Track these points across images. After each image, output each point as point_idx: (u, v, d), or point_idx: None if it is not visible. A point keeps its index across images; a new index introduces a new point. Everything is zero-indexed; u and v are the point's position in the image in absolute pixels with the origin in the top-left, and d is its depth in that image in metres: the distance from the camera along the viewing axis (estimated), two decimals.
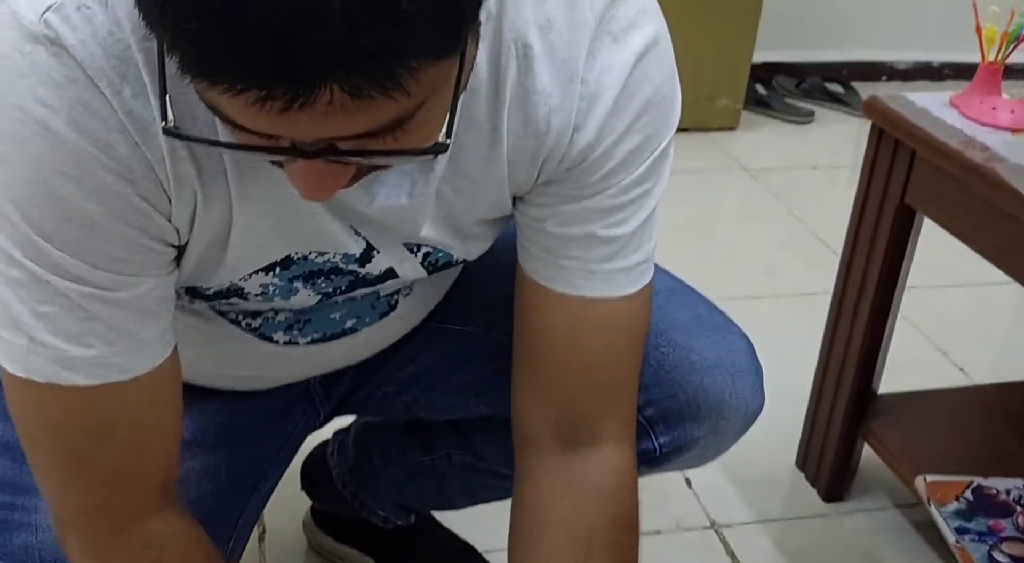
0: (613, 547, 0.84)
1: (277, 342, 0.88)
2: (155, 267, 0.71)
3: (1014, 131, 1.21)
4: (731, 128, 2.86)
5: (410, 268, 0.81)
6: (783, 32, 3.08)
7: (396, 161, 0.64)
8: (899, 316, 1.44)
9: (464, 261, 0.86)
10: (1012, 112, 1.23)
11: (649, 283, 0.82)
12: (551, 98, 0.71)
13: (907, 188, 1.29)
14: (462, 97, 0.65)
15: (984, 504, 1.31)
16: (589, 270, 0.79)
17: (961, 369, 1.88)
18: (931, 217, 1.27)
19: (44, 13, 0.62)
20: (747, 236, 2.38)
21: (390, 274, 0.81)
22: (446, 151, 0.61)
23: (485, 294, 0.98)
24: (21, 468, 0.85)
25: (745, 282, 2.15)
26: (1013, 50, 1.23)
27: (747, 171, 2.68)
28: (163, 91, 0.58)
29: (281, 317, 0.87)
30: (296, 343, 0.89)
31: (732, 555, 1.44)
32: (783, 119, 2.99)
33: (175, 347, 0.76)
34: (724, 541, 1.46)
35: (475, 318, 1.00)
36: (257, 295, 0.79)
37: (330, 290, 0.81)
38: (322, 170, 0.59)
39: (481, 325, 0.99)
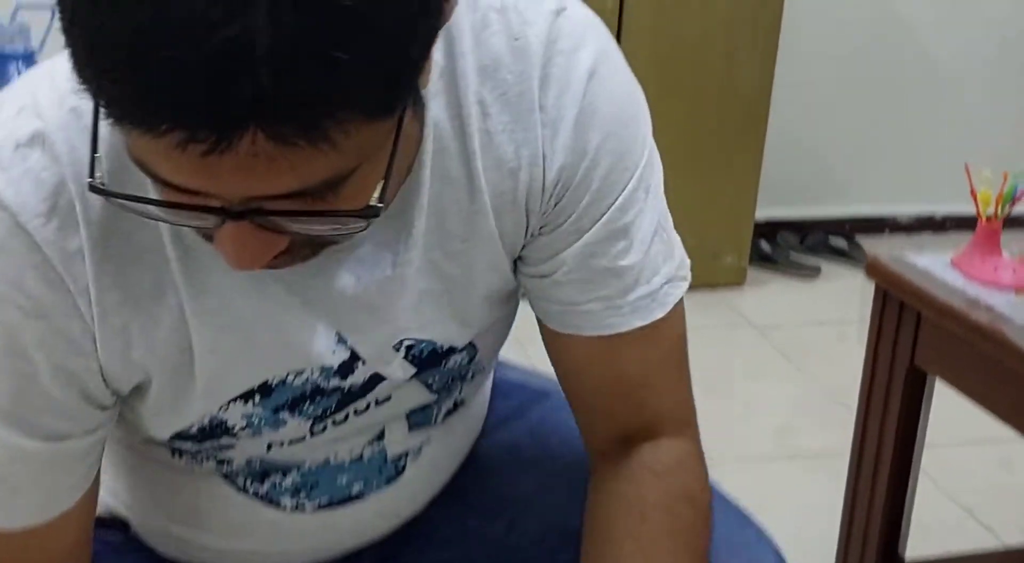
0: (668, 515, 0.80)
1: (284, 508, 0.86)
2: (77, 421, 0.71)
3: (1018, 290, 1.22)
4: (738, 285, 2.89)
5: (396, 367, 0.78)
6: (785, 189, 3.14)
7: (327, 228, 0.59)
8: (920, 475, 1.41)
9: (453, 352, 0.81)
10: (1014, 272, 1.24)
11: (681, 299, 0.80)
12: (515, 133, 0.71)
13: (916, 350, 1.29)
14: (430, 158, 0.66)
15: None
16: (616, 306, 0.77)
17: (988, 528, 1.83)
18: (942, 378, 1.27)
19: None
20: (758, 394, 2.36)
21: (376, 380, 0.78)
22: (378, 215, 0.57)
23: (509, 490, 0.96)
24: None
25: (758, 442, 2.12)
26: (1010, 211, 1.25)
27: (755, 328, 2.68)
28: (93, 149, 0.57)
29: (288, 481, 0.85)
30: (303, 508, 0.86)
31: None
32: (789, 275, 3.02)
33: (92, 483, 0.76)
34: None
35: (497, 516, 0.98)
36: (244, 428, 0.77)
37: (319, 413, 0.78)
38: (251, 234, 0.56)
39: (503, 526, 0.97)
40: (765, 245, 3.10)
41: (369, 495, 0.88)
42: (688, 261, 0.82)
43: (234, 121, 0.49)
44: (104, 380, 0.71)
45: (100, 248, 0.66)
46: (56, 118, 0.65)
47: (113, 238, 0.66)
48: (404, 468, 0.89)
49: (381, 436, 0.86)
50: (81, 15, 0.50)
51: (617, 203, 0.75)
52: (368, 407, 0.81)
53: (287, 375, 0.75)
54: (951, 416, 1.79)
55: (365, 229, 0.61)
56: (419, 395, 0.84)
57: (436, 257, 0.74)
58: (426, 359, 0.79)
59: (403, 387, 0.81)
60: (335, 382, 0.76)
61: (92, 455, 0.75)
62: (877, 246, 3.20)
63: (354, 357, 0.76)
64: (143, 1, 0.48)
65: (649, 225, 0.77)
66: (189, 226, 0.61)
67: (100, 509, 0.90)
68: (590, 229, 0.75)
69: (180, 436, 0.77)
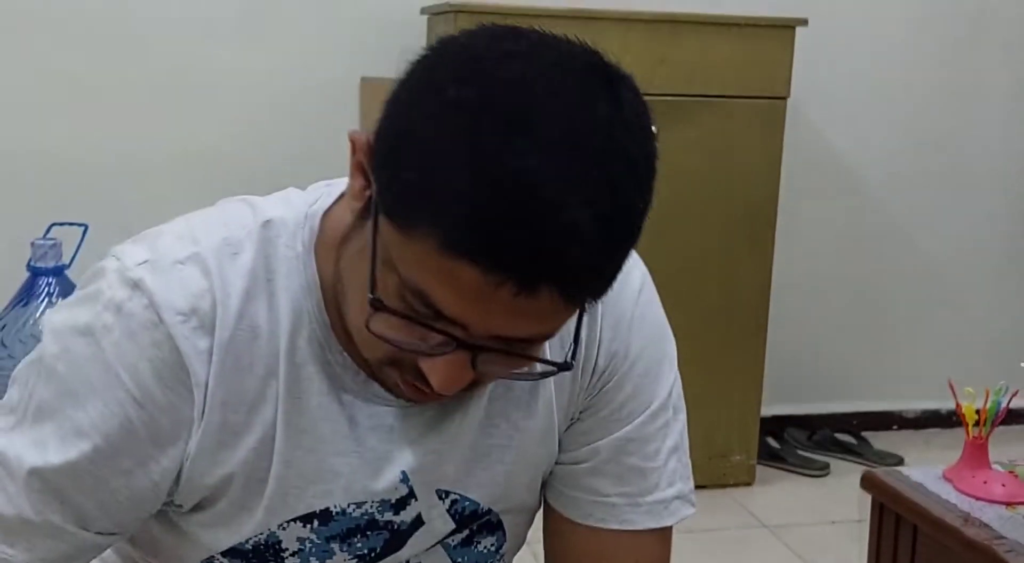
0: None
1: None
2: (108, 516, 0.78)
3: (1008, 505, 1.25)
4: (747, 484, 2.89)
5: (437, 515, 0.85)
6: (790, 386, 3.19)
7: (521, 371, 0.76)
8: None
9: (492, 519, 0.89)
10: (1004, 485, 1.28)
11: (671, 526, 0.90)
12: (582, 314, 0.79)
13: (915, 560, 1.31)
14: None
15: None
16: (635, 504, 0.88)
17: None
18: None
19: (141, 264, 0.76)
20: None
21: (417, 523, 0.85)
22: (570, 369, 0.75)
23: None
24: None
25: None
26: (994, 427, 1.30)
27: (766, 527, 2.68)
28: (373, 267, 0.69)
29: None
30: None
31: None
32: (798, 473, 3.03)
33: None
34: None
35: None
36: (294, 553, 0.82)
37: (365, 552, 0.84)
38: (462, 365, 0.69)
39: None
40: (773, 442, 3.13)
41: None
42: (694, 496, 0.92)
43: (549, 278, 0.64)
44: (177, 480, 0.78)
45: (224, 352, 0.76)
46: (210, 246, 0.77)
47: (235, 347, 0.77)
48: None
49: None
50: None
51: (650, 409, 0.87)
52: None
53: (348, 505, 0.82)
54: None
55: (542, 378, 0.78)
56: (445, 527, 0.88)
57: (497, 421, 0.85)
58: (466, 517, 0.87)
59: (435, 556, 0.88)
60: (388, 516, 0.83)
61: (87, 555, 0.81)
62: (885, 441, 3.22)
63: (411, 495, 0.84)
64: (528, 183, 0.63)
65: (672, 442, 0.88)
66: (407, 348, 0.71)
67: None
68: (625, 425, 0.86)
69: (232, 552, 0.82)
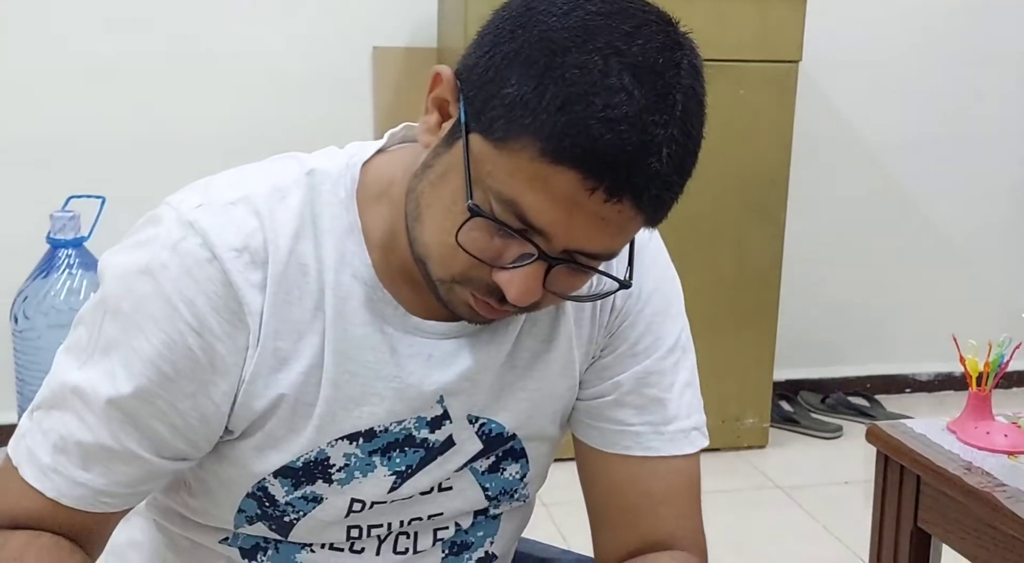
0: None
1: None
2: (181, 438, 0.84)
3: (1010, 454, 1.28)
4: (760, 446, 2.92)
5: (467, 437, 0.92)
6: (803, 349, 3.21)
7: (585, 289, 0.85)
8: None
9: (515, 446, 0.95)
10: (1006, 436, 1.29)
11: (695, 456, 0.97)
12: None
13: (918, 512, 1.33)
14: None
15: None
16: (659, 432, 0.95)
17: None
18: (943, 540, 1.31)
19: (195, 207, 0.84)
20: (785, 557, 2.37)
21: (448, 444, 0.91)
22: (630, 287, 0.84)
23: None
24: None
25: None
26: (998, 379, 1.32)
27: (780, 489, 2.71)
28: (468, 175, 0.77)
29: None
30: None
31: None
32: (811, 435, 3.05)
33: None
34: None
35: None
36: (340, 468, 0.88)
37: (403, 468, 0.90)
38: (536, 278, 0.78)
39: None
40: (786, 405, 3.15)
41: None
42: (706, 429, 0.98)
43: (632, 187, 0.73)
44: (233, 404, 0.85)
45: (276, 285, 0.84)
46: (260, 191, 0.85)
47: (286, 281, 0.84)
48: None
49: None
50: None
51: (665, 346, 0.95)
52: (432, 491, 0.93)
53: (391, 424, 0.89)
54: None
55: (604, 297, 0.88)
56: (474, 497, 0.95)
57: (523, 353, 0.92)
58: (492, 438, 0.93)
59: (464, 480, 0.94)
60: (424, 433, 0.90)
61: (156, 482, 0.88)
62: (898, 405, 3.24)
63: (445, 415, 0.90)
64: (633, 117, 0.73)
65: (684, 377, 0.96)
66: (486, 261, 0.79)
67: None
68: (643, 360, 0.95)
69: (283, 471, 0.87)
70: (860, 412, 3.16)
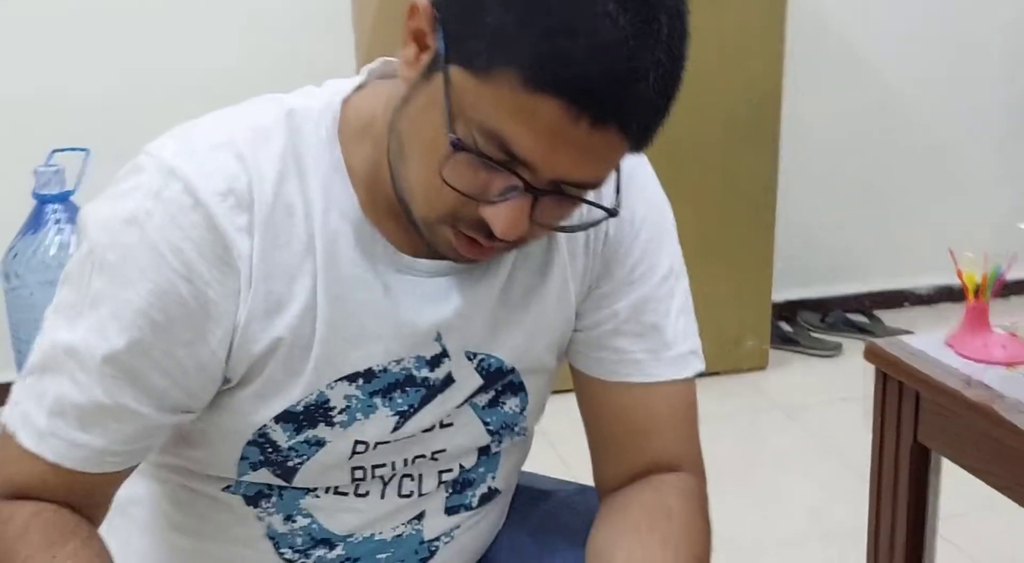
0: (692, 528, 0.92)
1: None
2: (179, 388, 0.83)
3: (1009, 365, 1.27)
4: (761, 368, 2.93)
5: (467, 374, 0.92)
6: (801, 270, 3.21)
7: (574, 219, 0.84)
8: (951, 545, 1.44)
9: (514, 379, 0.95)
10: (1004, 347, 1.29)
11: (695, 376, 0.98)
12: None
13: (918, 427, 1.34)
14: None
15: None
16: (658, 359, 0.95)
17: None
18: (944, 454, 1.31)
19: (176, 154, 0.82)
20: (788, 476, 2.39)
21: (448, 381, 0.91)
22: (616, 215, 0.83)
23: None
24: None
25: (791, 524, 2.15)
26: (996, 291, 1.31)
27: (781, 409, 2.72)
28: (450, 114, 0.75)
29: (333, 555, 0.94)
30: None
31: None
32: (811, 354, 3.06)
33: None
34: None
35: None
36: (342, 411, 0.88)
37: (405, 408, 0.90)
38: (523, 211, 0.76)
39: None
40: (786, 326, 3.15)
41: None
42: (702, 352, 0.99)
43: (617, 113, 0.72)
44: (229, 351, 0.84)
45: (263, 228, 0.82)
46: (241, 134, 0.84)
47: (274, 224, 0.82)
48: (436, 551, 0.98)
49: (420, 517, 0.96)
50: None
51: (659, 273, 0.94)
52: (434, 428, 0.93)
53: (389, 363, 0.88)
54: (978, 483, 1.82)
55: (592, 226, 0.87)
56: (475, 433, 0.95)
57: (517, 288, 0.91)
58: (492, 373, 0.93)
59: (465, 416, 0.94)
60: (424, 372, 0.90)
61: (157, 437, 0.87)
62: (898, 319, 3.25)
63: (444, 353, 0.90)
64: (614, 41, 0.71)
65: (679, 303, 0.96)
66: (471, 195, 0.77)
67: None
68: (639, 288, 0.94)
69: (284, 417, 0.87)
70: (859, 329, 3.16)
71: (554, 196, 0.77)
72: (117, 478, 0.88)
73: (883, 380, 1.38)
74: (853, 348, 3.08)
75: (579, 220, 0.86)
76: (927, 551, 1.41)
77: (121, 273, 0.81)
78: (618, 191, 0.83)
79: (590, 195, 0.81)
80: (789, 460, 2.48)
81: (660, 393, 0.96)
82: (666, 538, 0.89)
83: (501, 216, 0.77)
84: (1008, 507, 2.12)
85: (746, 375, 2.89)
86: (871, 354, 1.39)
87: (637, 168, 0.94)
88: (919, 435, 1.33)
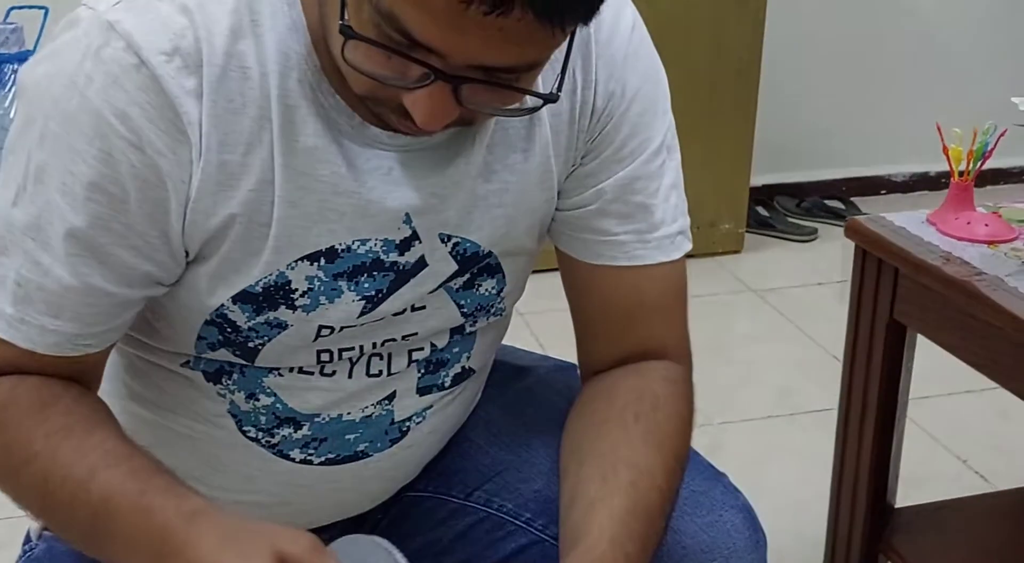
0: (676, 418, 0.90)
1: (294, 460, 0.92)
2: (147, 260, 0.78)
3: (990, 243, 1.25)
4: (736, 251, 2.92)
5: (440, 257, 0.86)
6: (779, 154, 3.17)
7: (508, 106, 0.75)
8: (916, 427, 1.46)
9: (491, 263, 0.90)
10: (986, 225, 1.27)
11: (684, 256, 0.93)
12: (574, 58, 0.80)
13: (894, 305, 1.32)
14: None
15: None
16: (644, 241, 0.90)
17: (983, 477, 1.87)
18: (920, 331, 1.31)
19: (115, 5, 0.74)
20: (760, 357, 2.40)
21: (420, 265, 0.86)
22: (556, 101, 0.75)
23: (487, 465, 1.02)
24: None
25: (760, 403, 2.16)
26: (980, 167, 1.28)
27: (755, 292, 2.72)
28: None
29: (299, 434, 0.91)
30: (310, 462, 0.92)
31: None
32: (787, 239, 3.05)
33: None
34: None
35: (476, 489, 1.02)
36: (304, 293, 0.83)
37: (372, 293, 0.85)
38: (444, 99, 0.69)
39: (482, 499, 1.03)
40: (762, 210, 3.14)
41: (373, 455, 0.94)
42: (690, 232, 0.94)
43: None
44: (183, 226, 0.78)
45: (214, 92, 0.75)
46: None
47: (226, 87, 0.76)
48: (407, 432, 0.95)
49: (391, 398, 0.93)
50: None
51: (651, 148, 0.89)
52: (405, 311, 0.88)
53: (353, 242, 0.83)
54: (947, 367, 1.83)
55: (532, 112, 0.80)
56: (449, 315, 0.91)
57: (496, 166, 0.85)
58: (467, 258, 0.88)
59: (439, 300, 0.89)
60: (393, 257, 0.84)
61: (131, 312, 0.82)
62: (874, 206, 3.23)
63: (414, 236, 0.84)
64: None
65: (670, 179, 0.91)
66: (385, 81, 0.71)
67: None
68: (627, 164, 0.88)
69: (242, 296, 0.82)
70: (836, 214, 3.15)
71: (477, 83, 0.69)
72: (100, 356, 0.84)
73: (862, 257, 1.37)
74: (829, 234, 3.08)
75: (532, 103, 0.78)
76: (896, 427, 1.41)
77: (66, 144, 0.74)
78: (563, 72, 0.75)
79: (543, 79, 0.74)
80: (760, 342, 2.49)
81: (648, 276, 0.92)
82: (650, 430, 0.87)
83: (419, 105, 0.70)
84: (970, 391, 2.14)
85: (721, 258, 2.88)
86: (851, 230, 1.37)
87: (631, 32, 0.88)
88: (895, 312, 1.32)
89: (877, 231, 1.32)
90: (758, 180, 3.04)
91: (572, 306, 0.96)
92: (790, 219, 3.13)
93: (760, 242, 3.02)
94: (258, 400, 0.89)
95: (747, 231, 2.95)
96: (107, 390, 0.95)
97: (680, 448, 0.89)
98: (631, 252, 0.90)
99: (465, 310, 0.92)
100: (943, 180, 3.42)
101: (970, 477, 1.88)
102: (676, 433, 0.89)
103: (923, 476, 1.74)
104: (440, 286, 0.88)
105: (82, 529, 0.78)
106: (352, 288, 0.84)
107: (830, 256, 2.94)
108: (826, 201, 3.21)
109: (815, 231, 3.06)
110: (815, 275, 2.81)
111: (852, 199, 3.25)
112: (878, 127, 3.30)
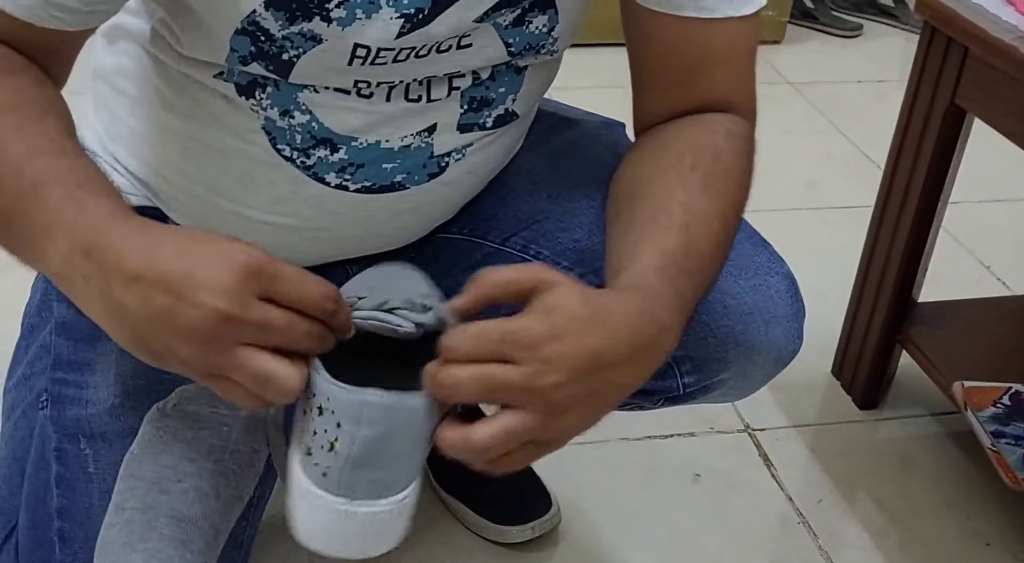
0: (736, 171, 0.86)
1: (328, 184, 0.89)
2: None
3: None
4: (776, 42, 2.81)
5: None
6: None
7: None
8: (943, 230, 1.42)
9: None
10: None
11: (758, 14, 0.88)
12: None
13: (958, 88, 1.26)
14: None
15: (1021, 409, 1.30)
16: None
17: (1003, 282, 1.86)
18: (982, 117, 1.25)
19: None
20: (790, 149, 2.34)
21: None
22: None
23: (526, 211, 1.00)
24: (75, 346, 0.90)
25: (786, 195, 2.12)
26: None
27: (791, 85, 2.63)
28: None
29: (335, 157, 0.88)
30: (346, 188, 0.90)
31: (765, 457, 1.45)
32: (829, 32, 2.93)
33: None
34: (758, 444, 1.47)
35: (513, 235, 1.00)
36: (339, 4, 0.78)
37: (411, 11, 0.79)
38: None
39: (518, 245, 1.01)
40: (807, 1, 3.00)
41: (409, 187, 0.91)
42: None
43: None
44: None
45: None
46: None
47: None
48: (446, 168, 0.92)
49: (432, 130, 0.89)
50: None
51: None
52: (451, 48, 0.83)
53: None
54: (979, 174, 1.78)
55: None
56: (494, 54, 0.86)
57: None
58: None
59: (486, 36, 0.84)
60: None
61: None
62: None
63: None
64: None
65: None
66: None
67: (134, 202, 0.92)
68: None
69: (274, 3, 0.77)
70: (884, 12, 3.01)
71: None
72: (75, 40, 0.78)
73: (929, 34, 1.29)
74: (875, 31, 2.95)
75: None
76: (936, 218, 1.38)
77: None
78: None
79: None
80: (791, 134, 2.43)
81: (716, 29, 0.86)
82: (708, 179, 0.83)
83: None
84: (999, 200, 2.10)
85: (760, 47, 2.76)
86: (923, 4, 1.28)
87: None
88: (958, 96, 1.26)
89: (952, 7, 1.24)
90: None
91: (631, 53, 0.91)
92: (836, 12, 3.00)
93: (802, 34, 2.90)
94: (293, 117, 0.85)
95: (789, 21, 2.83)
96: (138, 97, 0.92)
97: (739, 200, 0.85)
98: (701, 3, 0.85)
99: (513, 49, 0.86)
100: None
101: (991, 281, 1.86)
102: (736, 185, 0.85)
103: (945, 277, 1.72)
104: (487, 15, 0.82)
105: None
106: (391, 3, 0.79)
107: (874, 54, 2.83)
108: None
109: (860, 27, 2.93)
110: (856, 72, 2.71)
111: None
112: None
